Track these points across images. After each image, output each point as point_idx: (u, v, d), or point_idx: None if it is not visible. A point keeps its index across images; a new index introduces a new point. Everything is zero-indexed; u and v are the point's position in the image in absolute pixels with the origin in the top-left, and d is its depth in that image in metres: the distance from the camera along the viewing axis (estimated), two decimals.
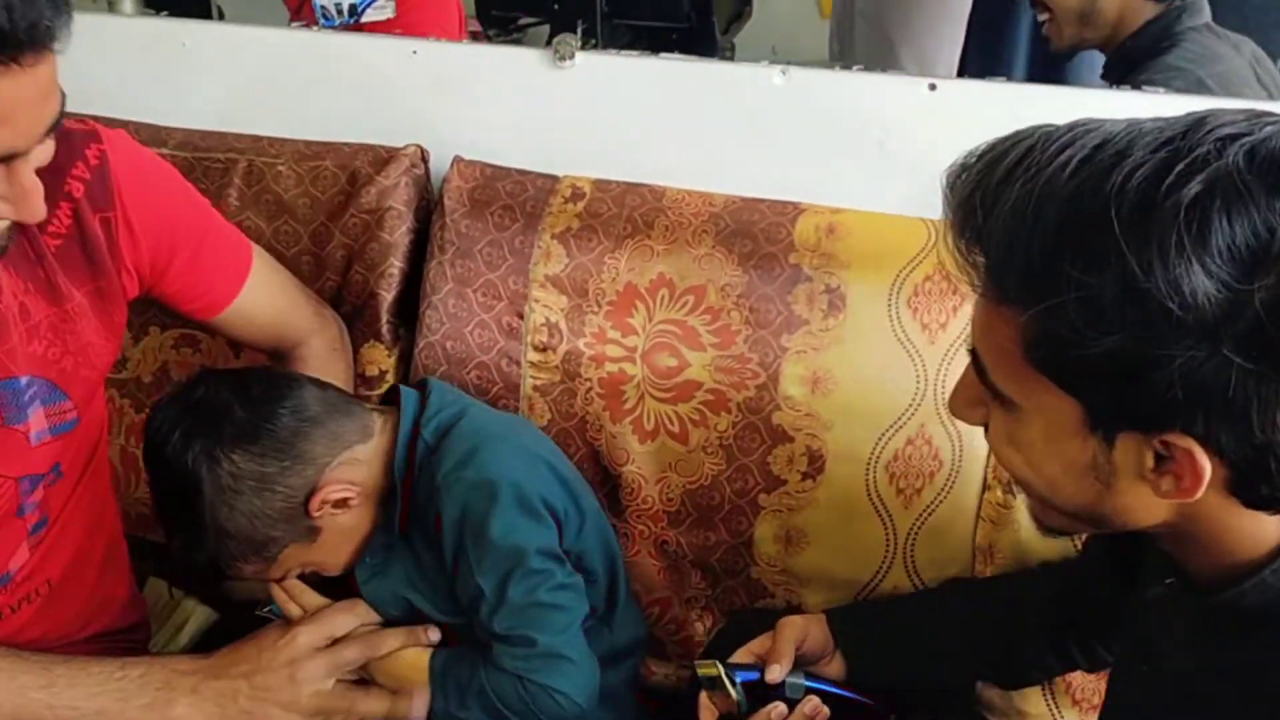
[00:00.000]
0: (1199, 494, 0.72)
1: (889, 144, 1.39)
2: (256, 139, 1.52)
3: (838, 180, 1.39)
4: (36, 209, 0.97)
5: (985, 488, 1.30)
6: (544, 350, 1.38)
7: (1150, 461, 0.73)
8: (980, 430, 1.27)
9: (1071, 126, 0.73)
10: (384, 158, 1.47)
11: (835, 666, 1.18)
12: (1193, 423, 0.69)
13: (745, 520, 1.34)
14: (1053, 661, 1.19)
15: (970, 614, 1.22)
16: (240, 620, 1.35)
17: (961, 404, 0.86)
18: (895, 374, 1.30)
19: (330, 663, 1.17)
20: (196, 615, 1.41)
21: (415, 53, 1.54)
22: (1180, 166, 0.67)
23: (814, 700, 1.09)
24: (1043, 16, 1.99)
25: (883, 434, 1.30)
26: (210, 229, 1.26)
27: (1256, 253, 0.66)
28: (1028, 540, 1.26)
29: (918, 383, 1.29)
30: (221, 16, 2.44)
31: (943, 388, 1.29)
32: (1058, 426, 0.76)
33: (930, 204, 1.33)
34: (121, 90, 1.60)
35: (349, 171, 1.46)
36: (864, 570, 1.33)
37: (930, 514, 1.30)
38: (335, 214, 1.45)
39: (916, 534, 1.30)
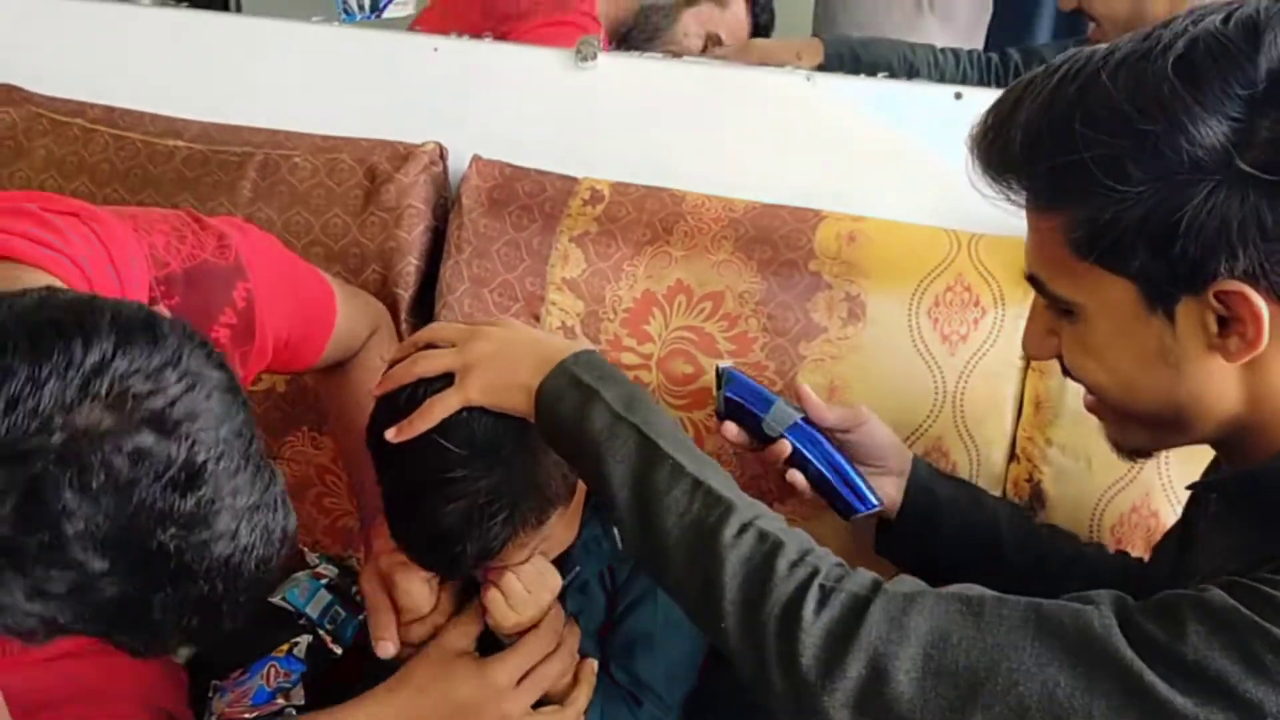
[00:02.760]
0: (1264, 341, 0.75)
1: (913, 152, 1.37)
2: (273, 132, 1.51)
3: (860, 188, 1.38)
4: None
5: None
6: None
7: (1213, 326, 0.77)
8: (998, 445, 1.27)
9: (1069, 53, 0.81)
10: (402, 154, 1.46)
11: (889, 486, 1.16)
12: (1235, 261, 0.73)
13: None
14: None
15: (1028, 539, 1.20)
16: (248, 618, 1.34)
17: (1034, 340, 0.90)
18: (913, 385, 1.29)
19: (531, 695, 1.08)
20: None
21: (436, 49, 1.53)
22: (1164, 37, 0.75)
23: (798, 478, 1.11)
24: (1089, 24, 1.97)
25: None
26: (312, 297, 1.22)
27: (1254, 96, 0.72)
28: None
29: (936, 395, 1.28)
30: (239, 8, 2.44)
31: (961, 400, 1.27)
32: (1121, 316, 0.80)
33: (953, 214, 1.34)
34: (140, 82, 1.60)
35: (366, 166, 1.46)
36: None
37: None
38: (354, 212, 1.44)
39: None
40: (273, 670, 1.24)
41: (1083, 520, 1.24)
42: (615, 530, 1.14)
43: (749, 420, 1.13)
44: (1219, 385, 0.80)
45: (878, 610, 0.78)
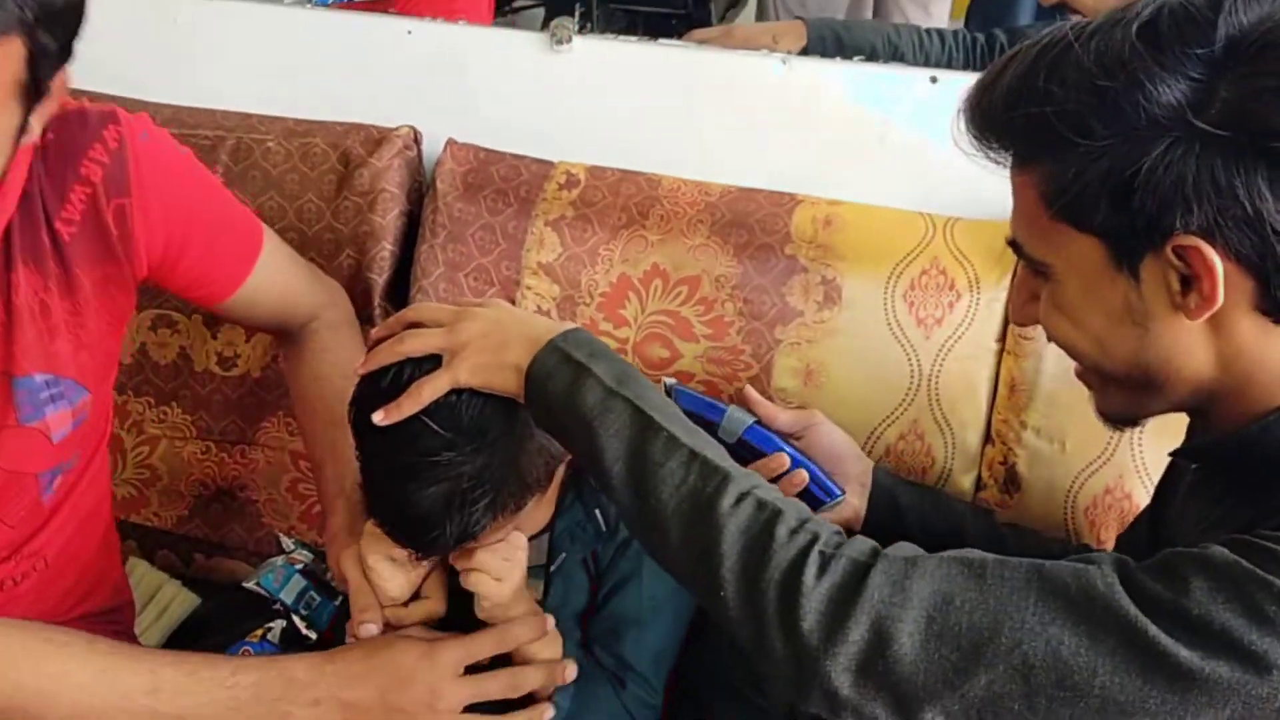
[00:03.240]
0: (1219, 297, 0.77)
1: (889, 136, 1.38)
2: (246, 116, 1.50)
3: (836, 172, 1.38)
4: None
5: (980, 486, 1.30)
6: None
7: (1175, 284, 0.79)
8: (973, 427, 1.28)
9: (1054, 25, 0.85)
10: (376, 138, 1.45)
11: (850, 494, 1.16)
12: (1190, 215, 0.76)
13: None
14: None
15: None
16: (222, 604, 1.33)
17: (1018, 305, 0.93)
18: (889, 368, 1.29)
19: (473, 692, 1.06)
20: (179, 599, 1.39)
21: (410, 32, 1.51)
22: (1136, 7, 0.79)
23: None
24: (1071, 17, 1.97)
25: (875, 428, 1.29)
26: (225, 216, 1.22)
27: (1214, 56, 0.76)
28: None
29: (912, 377, 1.28)
30: None
31: (937, 383, 1.28)
32: (1089, 274, 0.82)
33: (929, 198, 1.35)
34: (111, 64, 1.57)
35: (340, 151, 1.45)
36: None
37: None
38: (328, 197, 1.43)
39: None
40: (246, 655, 1.24)
41: (1057, 502, 1.25)
42: (598, 513, 1.14)
43: (705, 430, 1.12)
44: (1186, 345, 0.81)
45: (879, 574, 0.78)
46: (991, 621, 0.75)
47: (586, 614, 1.16)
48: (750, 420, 1.14)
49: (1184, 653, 0.71)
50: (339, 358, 1.29)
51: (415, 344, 1.00)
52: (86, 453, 1.16)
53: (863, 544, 0.81)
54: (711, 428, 1.12)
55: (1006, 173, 0.87)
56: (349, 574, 1.10)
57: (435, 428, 0.98)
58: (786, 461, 1.13)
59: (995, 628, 0.75)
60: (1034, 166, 0.83)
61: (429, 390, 0.98)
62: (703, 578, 0.83)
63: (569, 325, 0.98)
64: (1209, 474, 0.90)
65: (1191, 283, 0.78)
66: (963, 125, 0.86)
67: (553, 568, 1.14)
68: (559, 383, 0.93)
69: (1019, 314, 0.94)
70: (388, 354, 1.01)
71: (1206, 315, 0.79)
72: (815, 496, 1.12)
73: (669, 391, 1.15)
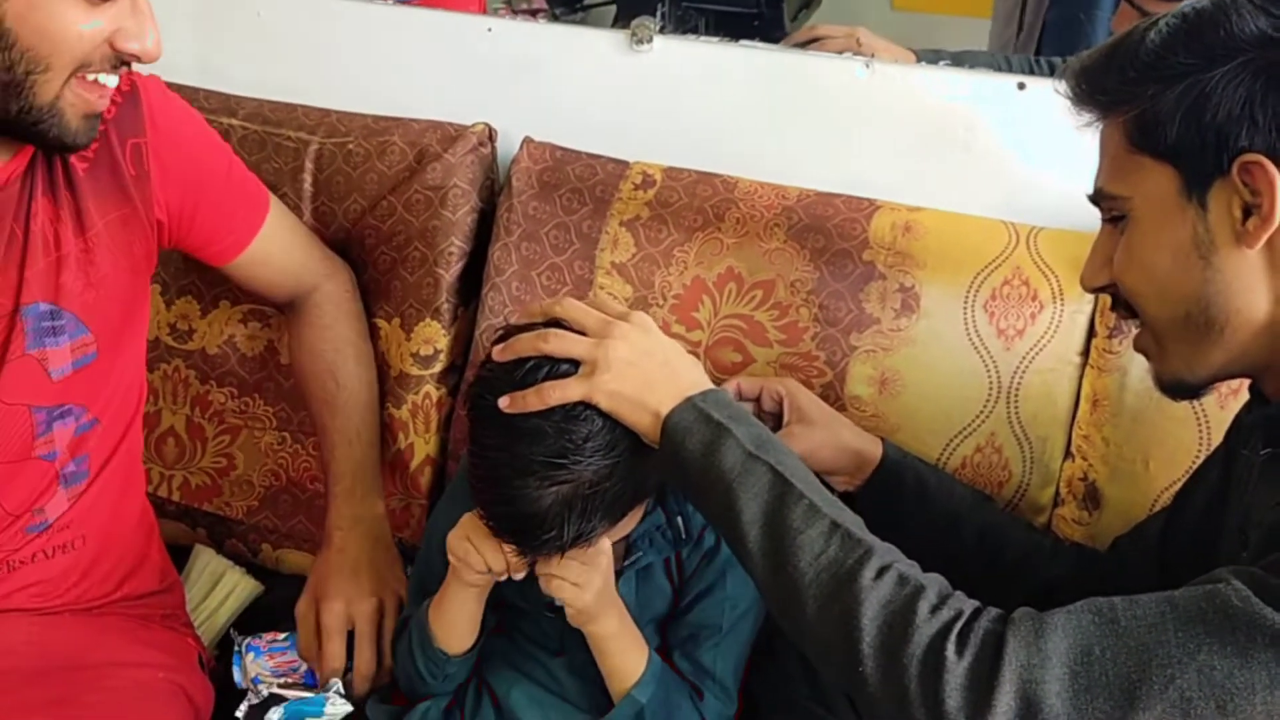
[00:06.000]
0: (1278, 216, 0.81)
1: (974, 144, 1.35)
2: (326, 113, 1.50)
3: (918, 179, 1.36)
4: (158, 42, 1.00)
5: (1057, 502, 1.26)
6: None
7: (1238, 211, 0.83)
8: (1053, 442, 1.25)
9: None
10: (451, 135, 1.45)
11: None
12: (1255, 131, 0.81)
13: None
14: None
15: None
16: (286, 593, 1.34)
17: (1090, 269, 0.96)
18: (967, 379, 1.26)
19: None
20: (242, 586, 1.40)
21: (490, 30, 1.52)
22: None
23: None
24: None
25: (951, 440, 1.27)
26: (233, 171, 1.26)
27: None
28: None
29: (990, 389, 1.25)
30: None
31: (1016, 396, 1.25)
32: (1162, 207, 0.86)
33: (1012, 206, 1.32)
34: (194, 56, 1.60)
35: (417, 149, 1.45)
36: None
37: None
38: (399, 189, 1.44)
39: None
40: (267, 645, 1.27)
41: (1137, 521, 1.21)
42: (680, 520, 1.13)
43: None
44: (1246, 281, 0.85)
45: (1013, 640, 0.77)
46: (1137, 663, 0.74)
47: (666, 620, 1.15)
48: None
49: None
50: (336, 334, 1.34)
51: (558, 345, 1.00)
52: (106, 417, 1.17)
53: (991, 612, 0.81)
54: None
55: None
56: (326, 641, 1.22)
57: (568, 430, 0.97)
58: None
59: (1143, 669, 0.74)
60: (1123, 108, 0.88)
61: (558, 395, 0.98)
62: (840, 650, 0.83)
63: (708, 384, 0.99)
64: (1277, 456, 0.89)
65: (1253, 211, 0.82)
66: (1068, 90, 0.91)
67: (628, 565, 1.13)
68: (697, 440, 0.93)
69: (1092, 276, 0.96)
70: (528, 346, 1.01)
71: (1264, 238, 0.82)
72: None
73: None
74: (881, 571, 0.83)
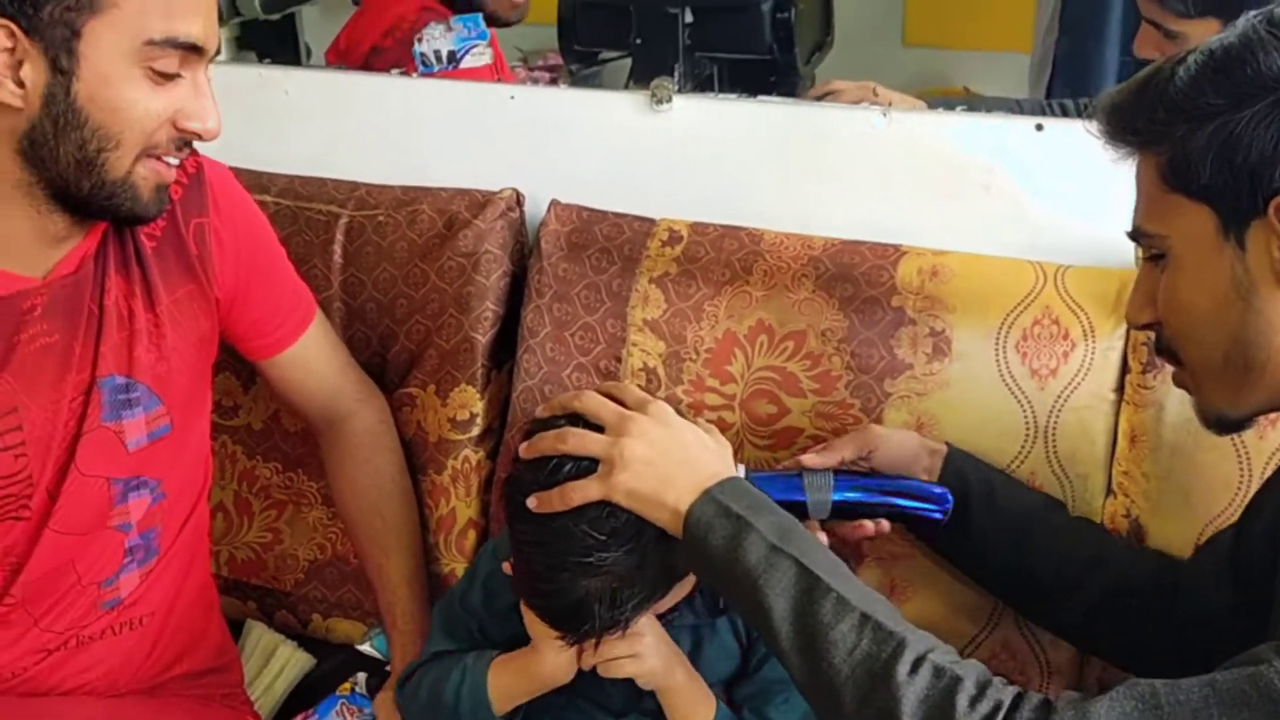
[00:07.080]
0: None
1: (994, 186, 1.36)
2: (355, 186, 1.53)
3: (940, 223, 1.37)
4: (218, 122, 1.04)
5: None
6: None
7: (1277, 252, 0.84)
8: (1094, 479, 1.25)
9: None
10: (480, 202, 1.47)
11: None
12: None
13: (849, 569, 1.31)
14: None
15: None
16: (337, 665, 1.35)
17: (1134, 307, 0.97)
18: (1003, 420, 1.26)
19: None
20: (295, 660, 1.41)
21: (512, 98, 1.54)
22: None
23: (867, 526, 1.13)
24: None
25: None
26: (286, 270, 1.30)
27: None
28: None
29: (1027, 430, 1.26)
30: (309, 54, 2.49)
31: (1054, 435, 1.25)
32: (1201, 247, 0.87)
33: (1036, 247, 1.32)
34: (225, 135, 1.62)
35: (446, 217, 1.47)
36: (969, 623, 1.29)
37: None
38: (431, 257, 1.46)
39: None
40: (345, 709, 1.28)
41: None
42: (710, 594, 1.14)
43: (794, 509, 1.09)
44: None
45: None
46: None
47: (734, 680, 1.16)
48: (830, 483, 1.12)
49: None
50: (376, 468, 1.35)
51: (577, 444, 1.02)
52: (176, 489, 1.19)
53: (1033, 699, 0.80)
54: (799, 508, 1.10)
55: (1116, 220, 0.90)
56: None
57: (589, 531, 1.00)
58: (885, 526, 1.14)
59: None
60: (1156, 147, 0.88)
61: (579, 495, 1.00)
62: None
63: (727, 471, 1.00)
64: None
65: None
66: (1100, 129, 0.92)
67: (667, 621, 1.13)
68: (719, 536, 0.94)
69: (1136, 313, 0.96)
70: (549, 445, 1.03)
71: None
72: (928, 514, 1.13)
73: (746, 478, 1.12)
74: (917, 664, 0.82)
